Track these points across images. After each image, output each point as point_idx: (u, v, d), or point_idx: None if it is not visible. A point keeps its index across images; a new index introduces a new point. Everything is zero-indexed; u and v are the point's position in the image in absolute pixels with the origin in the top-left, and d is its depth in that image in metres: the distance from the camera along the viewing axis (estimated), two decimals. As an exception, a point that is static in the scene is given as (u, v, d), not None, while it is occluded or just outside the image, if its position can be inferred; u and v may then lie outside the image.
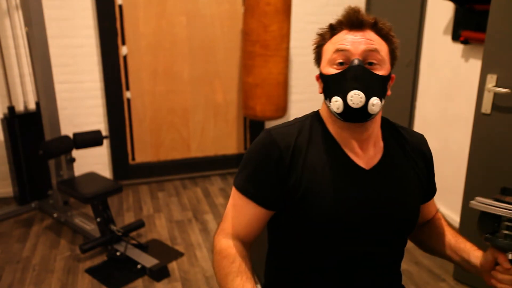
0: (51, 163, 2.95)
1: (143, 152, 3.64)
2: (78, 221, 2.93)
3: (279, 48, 3.13)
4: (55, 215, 3.01)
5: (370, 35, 1.02)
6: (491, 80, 2.10)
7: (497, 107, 2.11)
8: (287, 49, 3.22)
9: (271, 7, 3.03)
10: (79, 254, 2.62)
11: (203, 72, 3.58)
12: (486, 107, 2.14)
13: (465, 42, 2.74)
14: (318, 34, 1.08)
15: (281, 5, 3.05)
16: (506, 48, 2.04)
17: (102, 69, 3.33)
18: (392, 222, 1.07)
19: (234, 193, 1.10)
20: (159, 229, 2.95)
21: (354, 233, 1.03)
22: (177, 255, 2.65)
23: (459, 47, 2.84)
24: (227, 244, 1.06)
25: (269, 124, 3.80)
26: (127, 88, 3.45)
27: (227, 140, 3.81)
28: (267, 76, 3.18)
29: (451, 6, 2.86)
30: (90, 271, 2.48)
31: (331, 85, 1.02)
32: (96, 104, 3.41)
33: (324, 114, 1.10)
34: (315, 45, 1.09)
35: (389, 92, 1.07)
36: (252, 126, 3.80)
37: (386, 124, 1.16)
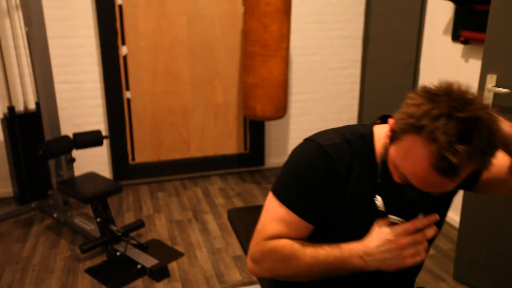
0: (51, 163, 2.95)
1: (143, 152, 3.64)
2: (78, 221, 2.93)
3: (279, 48, 3.12)
4: (55, 215, 3.01)
5: (459, 178, 0.84)
6: (491, 80, 2.10)
7: (497, 107, 2.11)
8: (287, 49, 3.22)
9: (271, 7, 3.03)
10: (79, 254, 2.62)
11: (203, 72, 3.58)
12: (486, 107, 2.13)
13: (465, 42, 2.74)
14: (412, 117, 0.85)
15: (281, 5, 3.05)
16: (506, 48, 2.04)
17: (102, 69, 3.33)
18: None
19: (278, 207, 1.02)
20: (159, 229, 2.95)
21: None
22: (177, 255, 2.65)
23: (459, 47, 2.84)
24: (280, 241, 1.01)
25: (269, 124, 3.80)
26: (127, 88, 3.45)
27: (227, 140, 3.81)
28: (267, 76, 3.18)
29: (451, 6, 2.86)
30: (90, 271, 2.48)
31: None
32: (96, 104, 3.41)
33: (380, 138, 1.01)
34: (399, 126, 0.88)
35: None
36: (252, 126, 3.80)
37: None
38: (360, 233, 0.98)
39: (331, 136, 1.02)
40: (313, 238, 1.03)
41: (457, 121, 0.79)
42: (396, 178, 0.91)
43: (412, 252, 0.88)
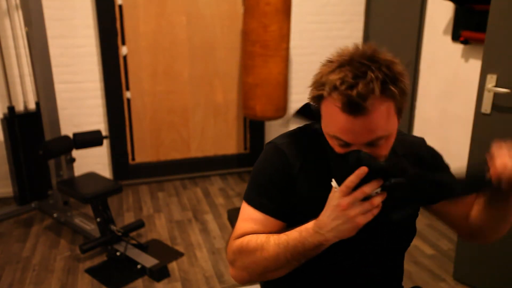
0: (51, 163, 2.95)
1: (143, 152, 3.64)
2: (78, 221, 2.93)
3: (279, 48, 3.12)
4: (55, 215, 3.01)
5: (374, 112, 0.88)
6: (491, 80, 2.10)
7: (497, 107, 2.11)
8: (287, 49, 3.22)
9: (271, 7, 3.03)
10: (79, 254, 2.62)
11: (203, 72, 3.58)
12: (486, 107, 2.14)
13: (465, 42, 2.74)
14: (314, 88, 0.95)
15: (281, 5, 3.05)
16: (506, 48, 2.04)
17: (102, 69, 3.33)
18: (386, 232, 1.07)
19: (247, 209, 1.07)
20: (159, 229, 2.95)
21: (351, 248, 1.03)
22: (177, 255, 2.65)
23: (459, 47, 2.84)
24: (245, 237, 1.04)
25: (269, 124, 3.80)
26: (127, 88, 3.45)
27: (227, 140, 3.81)
28: (267, 76, 3.18)
29: (451, 6, 2.86)
30: (90, 271, 2.48)
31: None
32: (96, 104, 3.41)
33: None
34: (310, 97, 0.97)
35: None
36: (252, 126, 3.80)
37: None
38: None
39: (286, 135, 1.11)
40: None
41: (351, 66, 0.88)
42: (337, 149, 0.95)
43: (357, 211, 0.86)
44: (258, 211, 1.05)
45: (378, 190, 0.88)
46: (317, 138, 1.05)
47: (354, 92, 0.85)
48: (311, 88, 0.96)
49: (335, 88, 0.88)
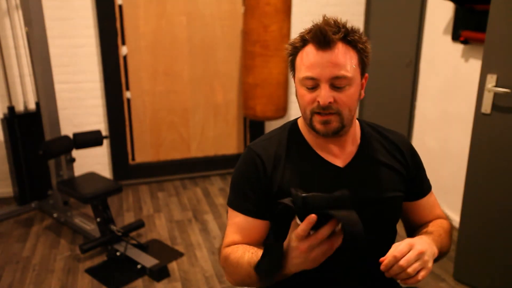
0: (51, 163, 2.95)
1: (143, 152, 3.64)
2: (78, 221, 2.93)
3: (279, 48, 3.12)
4: (55, 215, 3.01)
5: (338, 53, 1.02)
6: (491, 80, 2.10)
7: (497, 107, 2.11)
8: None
9: (271, 7, 3.03)
10: (79, 254, 2.62)
11: (203, 72, 3.58)
12: (486, 107, 2.14)
13: (465, 42, 2.74)
14: (290, 44, 1.10)
15: (281, 5, 3.05)
16: (506, 48, 2.04)
17: (102, 69, 3.33)
18: (372, 215, 1.08)
19: (231, 212, 1.14)
20: (159, 229, 2.95)
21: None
22: (177, 255, 2.65)
23: (459, 47, 2.84)
24: (229, 248, 1.10)
25: (269, 124, 3.80)
26: (127, 88, 3.45)
27: (227, 140, 3.81)
28: (267, 76, 3.18)
29: (451, 6, 2.86)
30: (90, 271, 2.48)
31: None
32: (96, 104, 3.41)
33: (302, 121, 1.16)
34: (287, 54, 1.11)
35: (362, 95, 1.11)
36: (252, 126, 3.80)
37: (364, 124, 1.21)
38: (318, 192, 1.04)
39: (261, 137, 1.19)
40: (281, 233, 1.06)
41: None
42: (306, 98, 1.06)
43: (316, 253, 0.87)
44: (240, 213, 1.11)
45: (337, 228, 0.87)
46: (291, 134, 1.15)
47: (322, 27, 1.01)
48: (287, 55, 1.11)
49: (306, 34, 1.04)
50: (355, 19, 3.76)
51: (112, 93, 3.40)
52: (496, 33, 2.06)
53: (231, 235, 1.12)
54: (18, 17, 3.06)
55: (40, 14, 2.74)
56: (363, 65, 1.08)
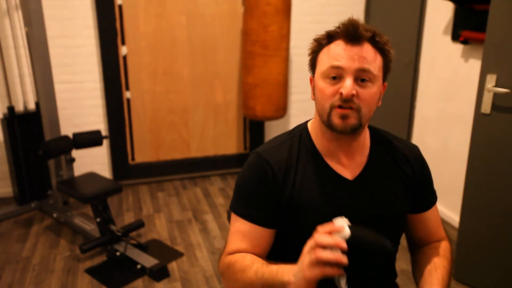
0: (51, 163, 2.95)
1: (143, 152, 3.64)
2: (78, 221, 2.93)
3: (279, 48, 3.12)
4: (55, 215, 3.01)
5: (367, 49, 1.01)
6: (491, 80, 2.10)
7: (497, 107, 2.11)
8: (287, 49, 3.22)
9: (271, 7, 3.03)
10: (79, 254, 2.62)
11: (203, 72, 3.58)
12: (486, 107, 2.14)
13: (465, 42, 2.74)
14: (315, 40, 1.07)
15: (281, 5, 3.05)
16: (506, 48, 2.04)
17: (102, 69, 3.33)
18: (377, 230, 1.07)
19: (236, 219, 1.10)
20: (159, 229, 2.95)
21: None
22: (177, 255, 2.65)
23: (459, 47, 2.84)
24: (235, 255, 1.08)
25: (269, 124, 3.80)
26: (127, 88, 3.45)
27: (227, 140, 3.81)
28: (267, 76, 3.18)
29: (451, 6, 2.86)
30: (90, 271, 2.48)
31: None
32: (96, 104, 3.41)
33: (314, 126, 1.13)
34: (310, 51, 1.08)
35: (379, 103, 1.09)
36: (252, 126, 3.80)
37: (375, 132, 1.19)
38: (327, 205, 1.07)
39: (269, 142, 1.15)
40: (285, 243, 1.09)
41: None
42: (327, 91, 1.02)
43: (319, 256, 0.86)
44: (246, 221, 1.08)
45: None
46: (302, 140, 1.12)
47: (355, 21, 1.01)
48: (310, 52, 1.09)
49: (335, 29, 1.03)
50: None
51: (112, 93, 3.40)
52: (496, 33, 2.06)
53: (236, 242, 1.09)
54: (18, 17, 3.06)
55: (40, 14, 2.74)
56: (385, 70, 1.07)
